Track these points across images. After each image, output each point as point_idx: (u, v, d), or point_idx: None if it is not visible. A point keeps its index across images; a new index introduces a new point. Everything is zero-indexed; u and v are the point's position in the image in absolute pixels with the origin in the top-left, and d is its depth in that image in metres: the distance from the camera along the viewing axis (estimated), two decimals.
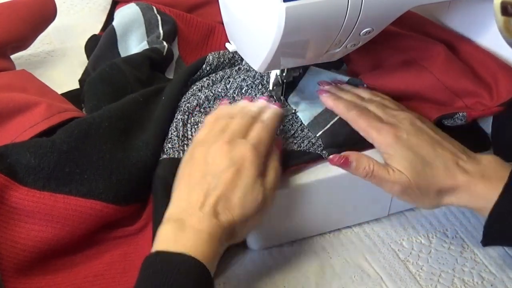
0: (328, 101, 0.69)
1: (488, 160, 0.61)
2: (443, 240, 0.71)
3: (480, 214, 0.61)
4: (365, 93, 0.71)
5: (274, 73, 0.73)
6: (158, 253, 0.53)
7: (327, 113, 0.72)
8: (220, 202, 0.55)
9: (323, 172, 0.66)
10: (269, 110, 0.65)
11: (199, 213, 0.55)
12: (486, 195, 0.59)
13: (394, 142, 0.61)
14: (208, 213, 0.55)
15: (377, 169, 0.61)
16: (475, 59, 0.70)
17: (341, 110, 0.67)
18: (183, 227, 0.54)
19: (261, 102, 0.67)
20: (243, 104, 0.67)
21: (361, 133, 0.65)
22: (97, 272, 0.62)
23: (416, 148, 0.61)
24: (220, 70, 0.78)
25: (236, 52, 0.75)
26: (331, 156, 0.63)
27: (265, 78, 0.76)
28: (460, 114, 0.64)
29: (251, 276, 0.66)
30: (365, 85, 0.74)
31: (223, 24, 0.73)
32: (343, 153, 0.62)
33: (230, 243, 0.57)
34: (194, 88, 0.75)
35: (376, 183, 0.62)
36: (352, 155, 0.62)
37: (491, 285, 0.66)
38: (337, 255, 0.69)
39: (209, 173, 0.57)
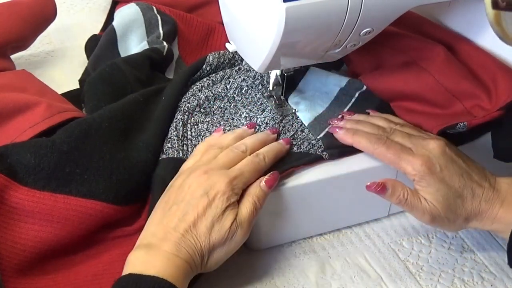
0: (346, 138, 0.67)
1: (507, 183, 0.63)
2: (443, 240, 0.71)
3: (502, 236, 0.62)
4: (380, 121, 0.69)
5: (274, 73, 0.73)
6: (129, 275, 0.54)
7: (328, 114, 0.72)
8: (189, 229, 0.57)
9: (323, 172, 0.66)
10: (269, 145, 0.66)
11: (169, 237, 0.57)
12: (506, 219, 0.61)
13: (428, 176, 0.61)
14: (178, 237, 0.57)
15: (410, 197, 0.62)
16: (474, 60, 0.70)
17: (365, 145, 0.65)
18: (153, 251, 0.56)
19: (262, 134, 0.68)
20: (240, 132, 0.68)
21: (391, 165, 0.64)
22: (97, 272, 0.62)
23: (448, 181, 0.61)
24: (220, 70, 0.78)
25: (236, 52, 0.75)
26: (368, 183, 0.62)
27: (265, 78, 0.76)
28: (462, 124, 0.65)
29: (252, 276, 0.66)
30: (366, 110, 0.72)
31: (223, 24, 0.73)
32: (380, 180, 0.62)
33: (202, 271, 0.59)
34: (194, 88, 0.75)
35: (407, 210, 0.63)
36: (388, 182, 0.62)
37: (491, 285, 0.66)
38: (337, 255, 0.69)
39: (184, 200, 0.59)
